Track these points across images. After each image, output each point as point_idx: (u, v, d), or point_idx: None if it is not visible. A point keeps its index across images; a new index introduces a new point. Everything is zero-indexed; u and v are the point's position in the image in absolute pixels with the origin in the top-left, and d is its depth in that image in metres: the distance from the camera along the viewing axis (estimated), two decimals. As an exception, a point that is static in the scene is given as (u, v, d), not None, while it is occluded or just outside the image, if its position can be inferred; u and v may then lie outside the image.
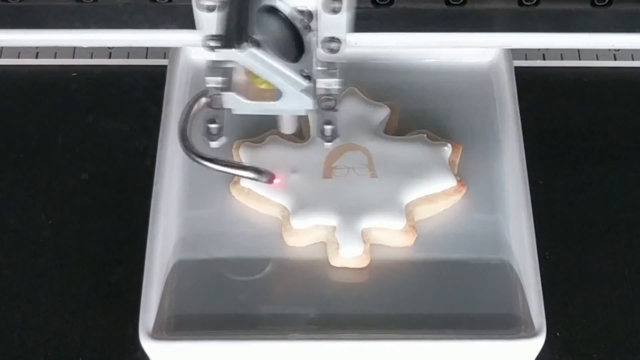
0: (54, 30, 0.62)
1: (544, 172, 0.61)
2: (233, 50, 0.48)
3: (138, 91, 0.65)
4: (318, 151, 0.59)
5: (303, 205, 0.57)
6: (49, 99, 0.65)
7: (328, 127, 0.51)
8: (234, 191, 0.59)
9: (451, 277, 0.56)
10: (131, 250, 0.57)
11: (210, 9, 0.50)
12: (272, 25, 0.49)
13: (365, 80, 0.63)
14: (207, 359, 0.54)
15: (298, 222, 0.57)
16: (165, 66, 0.63)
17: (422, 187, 0.58)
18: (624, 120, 0.65)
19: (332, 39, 0.50)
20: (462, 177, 0.59)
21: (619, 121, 0.65)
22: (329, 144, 0.51)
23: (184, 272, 0.57)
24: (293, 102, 0.51)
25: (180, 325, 0.55)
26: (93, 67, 0.66)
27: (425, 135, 0.60)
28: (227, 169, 0.56)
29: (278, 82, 0.50)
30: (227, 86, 0.50)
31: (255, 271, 0.57)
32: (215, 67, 0.50)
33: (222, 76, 0.50)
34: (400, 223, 0.57)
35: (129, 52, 0.68)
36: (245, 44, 0.48)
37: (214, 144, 0.52)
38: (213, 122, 0.51)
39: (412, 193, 0.58)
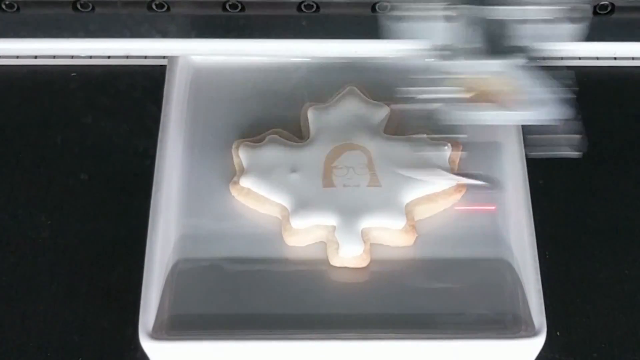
0: (52, 40, 0.63)
1: (544, 171, 0.61)
2: (506, 60, 0.48)
3: (137, 91, 0.65)
4: (317, 151, 0.59)
5: (303, 205, 0.57)
6: (48, 99, 0.65)
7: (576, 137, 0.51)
8: (233, 191, 0.59)
9: (451, 277, 0.56)
10: (131, 250, 0.57)
11: (452, 19, 0.50)
12: (532, 35, 0.49)
13: (365, 80, 0.63)
14: (206, 359, 0.54)
15: (298, 222, 0.57)
16: (164, 66, 0.63)
17: (422, 186, 0.58)
18: (623, 120, 0.65)
19: (548, 48, 0.51)
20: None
21: (619, 121, 0.65)
22: (577, 153, 0.51)
23: (183, 272, 0.57)
24: (552, 111, 0.51)
25: (180, 325, 0.55)
26: (92, 68, 0.66)
27: (425, 135, 0.60)
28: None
29: (540, 91, 0.50)
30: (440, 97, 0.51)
31: (255, 271, 0.57)
32: (446, 78, 0.51)
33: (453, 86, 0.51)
34: (400, 223, 0.57)
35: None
36: (519, 54, 0.48)
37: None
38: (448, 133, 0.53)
39: (412, 192, 0.58)
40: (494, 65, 0.49)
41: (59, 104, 0.65)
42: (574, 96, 0.51)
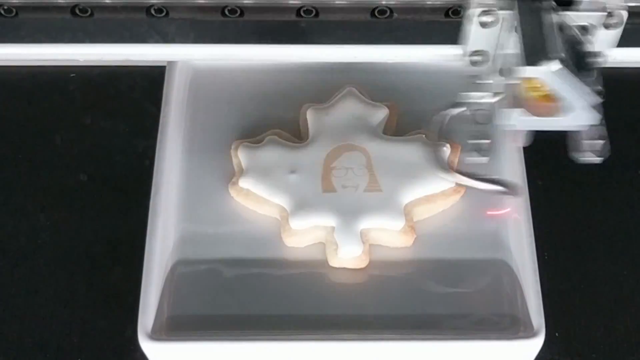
0: (51, 45, 0.63)
1: (543, 172, 0.61)
2: (541, 67, 0.48)
3: (137, 92, 0.65)
4: (317, 152, 0.59)
5: (302, 205, 0.57)
6: (48, 99, 0.65)
7: (600, 142, 0.51)
8: (232, 192, 0.59)
9: (450, 278, 0.56)
10: (130, 251, 0.57)
11: (487, 25, 0.50)
12: (567, 41, 0.49)
13: (364, 80, 0.63)
14: (205, 359, 0.54)
15: (297, 223, 0.57)
16: (163, 67, 0.63)
17: (421, 187, 0.58)
18: (623, 120, 0.65)
19: (597, 54, 0.51)
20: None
21: (618, 121, 0.65)
22: (599, 158, 0.51)
23: (182, 273, 0.57)
24: (582, 117, 0.51)
25: (179, 325, 0.55)
26: (92, 68, 0.66)
27: (424, 136, 0.60)
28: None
29: (572, 97, 0.50)
30: (496, 101, 0.51)
31: (254, 272, 0.57)
32: (477, 83, 0.51)
33: (484, 91, 0.51)
34: (399, 223, 0.57)
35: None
36: (555, 60, 0.48)
37: (484, 160, 0.53)
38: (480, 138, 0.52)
39: (411, 193, 0.58)
40: (530, 72, 0.49)
41: (58, 104, 0.65)
42: (602, 101, 0.51)
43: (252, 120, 0.62)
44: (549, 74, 0.49)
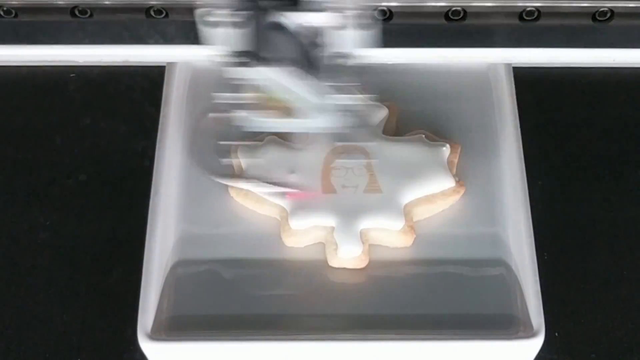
0: (50, 46, 0.63)
1: (542, 172, 0.61)
2: (251, 67, 0.48)
3: (136, 92, 0.65)
4: (316, 152, 0.59)
5: (301, 205, 0.57)
6: (47, 99, 0.65)
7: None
8: (232, 192, 0.59)
9: (450, 278, 0.56)
10: (130, 251, 0.57)
11: (216, 25, 0.50)
12: (283, 42, 0.49)
13: (363, 80, 0.63)
14: (205, 359, 0.54)
15: (296, 223, 0.57)
16: (163, 67, 0.63)
17: (421, 187, 0.58)
18: (622, 120, 0.65)
19: (339, 55, 0.50)
20: (460, 178, 0.59)
21: (617, 121, 0.65)
22: None
23: (182, 273, 0.57)
24: (312, 119, 0.51)
25: (178, 325, 0.55)
26: (91, 68, 0.66)
27: (423, 136, 0.60)
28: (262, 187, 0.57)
29: (297, 99, 0.50)
30: (240, 103, 0.51)
31: (253, 272, 0.57)
32: (225, 84, 0.50)
33: (231, 92, 0.50)
34: (398, 223, 0.57)
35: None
36: (262, 61, 0.48)
37: (225, 161, 0.52)
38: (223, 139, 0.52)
39: (411, 193, 0.58)
40: (262, 72, 0.49)
41: (58, 104, 0.65)
42: (360, 104, 0.51)
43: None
44: (287, 75, 0.48)
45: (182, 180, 0.60)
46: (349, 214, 0.57)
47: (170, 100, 0.62)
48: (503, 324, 0.55)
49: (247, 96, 0.51)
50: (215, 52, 0.50)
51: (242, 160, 0.60)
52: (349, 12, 0.49)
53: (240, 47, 0.49)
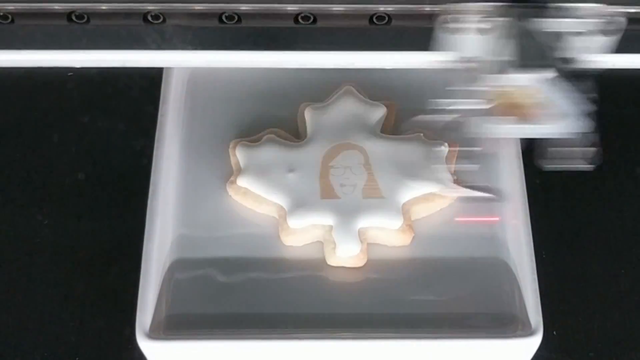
0: (47, 51, 0.63)
1: (540, 171, 0.61)
2: (537, 74, 0.48)
3: (134, 91, 0.65)
4: (315, 150, 0.59)
5: (300, 204, 0.57)
6: (45, 98, 0.65)
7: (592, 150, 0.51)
8: (230, 190, 0.59)
9: (448, 276, 0.56)
10: (128, 249, 0.57)
11: (457, 32, 0.50)
12: (536, 48, 0.49)
13: (362, 79, 0.63)
14: (204, 358, 0.54)
15: (295, 222, 0.57)
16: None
17: (419, 186, 0.58)
18: (622, 120, 0.65)
19: (581, 60, 0.51)
20: (458, 177, 0.59)
21: (617, 121, 0.65)
22: (590, 166, 0.51)
23: (180, 272, 0.57)
24: (574, 124, 0.51)
25: (177, 324, 0.55)
26: (89, 67, 0.66)
27: (422, 135, 0.60)
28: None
29: (565, 105, 0.50)
30: (472, 109, 0.51)
31: (252, 270, 0.57)
32: (466, 90, 0.51)
33: (473, 98, 0.51)
34: (397, 222, 0.57)
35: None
36: (551, 68, 0.48)
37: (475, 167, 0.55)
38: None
39: (409, 192, 0.58)
40: (522, 79, 0.49)
41: (56, 103, 0.65)
42: (595, 108, 0.51)
43: (250, 119, 0.62)
44: (543, 81, 0.49)
45: (180, 179, 0.60)
46: (347, 212, 0.57)
47: (169, 99, 0.62)
48: (501, 322, 0.55)
49: (475, 102, 0.51)
50: (449, 58, 0.50)
51: (240, 159, 0.60)
52: (594, 19, 0.50)
53: (484, 54, 0.49)
